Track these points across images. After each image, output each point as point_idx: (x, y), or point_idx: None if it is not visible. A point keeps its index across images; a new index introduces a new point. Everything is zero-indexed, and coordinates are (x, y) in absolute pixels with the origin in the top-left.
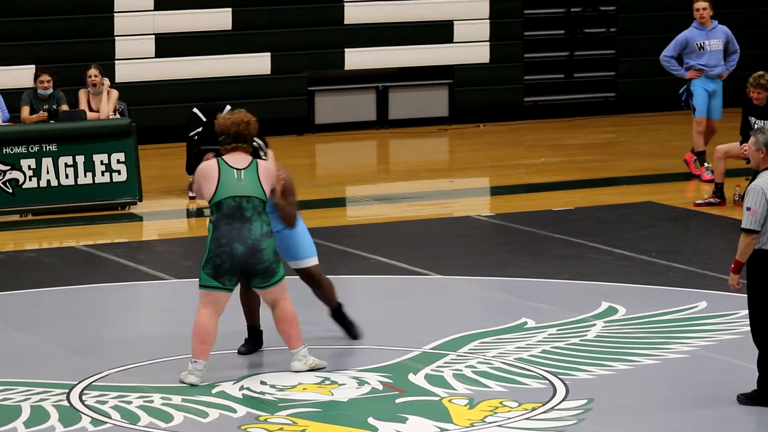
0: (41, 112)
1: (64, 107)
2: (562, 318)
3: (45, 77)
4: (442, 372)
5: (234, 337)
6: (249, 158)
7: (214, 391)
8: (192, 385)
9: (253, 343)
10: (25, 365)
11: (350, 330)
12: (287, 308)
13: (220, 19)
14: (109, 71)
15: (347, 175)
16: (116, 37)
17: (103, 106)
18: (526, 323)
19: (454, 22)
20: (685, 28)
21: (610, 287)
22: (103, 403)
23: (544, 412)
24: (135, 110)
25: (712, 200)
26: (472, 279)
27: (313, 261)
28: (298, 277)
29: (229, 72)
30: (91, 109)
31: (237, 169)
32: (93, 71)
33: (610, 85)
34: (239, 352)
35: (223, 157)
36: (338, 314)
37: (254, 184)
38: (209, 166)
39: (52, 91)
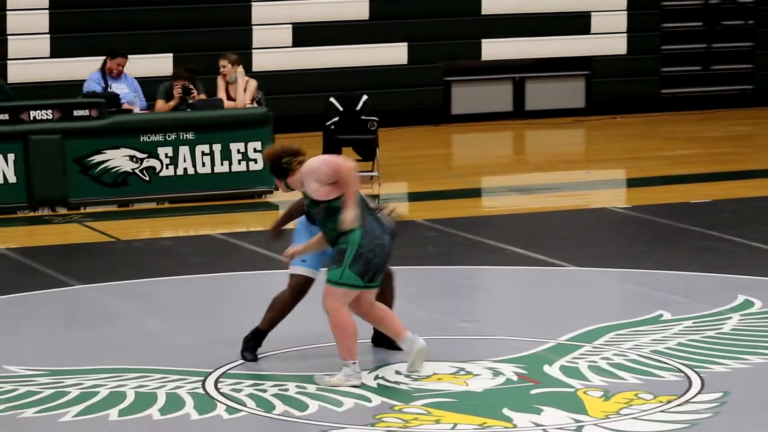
0: (175, 89)
1: (202, 96)
2: (698, 311)
3: (179, 83)
4: (578, 364)
5: (366, 325)
6: None
7: None
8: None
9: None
10: (161, 353)
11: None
12: (381, 305)
13: (357, 8)
14: (246, 60)
15: (483, 166)
16: (254, 26)
17: (239, 95)
18: (661, 315)
19: (592, 13)
20: None
21: (746, 280)
22: (238, 391)
23: (679, 405)
24: (272, 99)
25: None
26: (607, 271)
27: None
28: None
29: (365, 62)
30: (228, 98)
31: None
32: (222, 62)
33: (748, 78)
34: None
35: None
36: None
37: None
38: (348, 163)
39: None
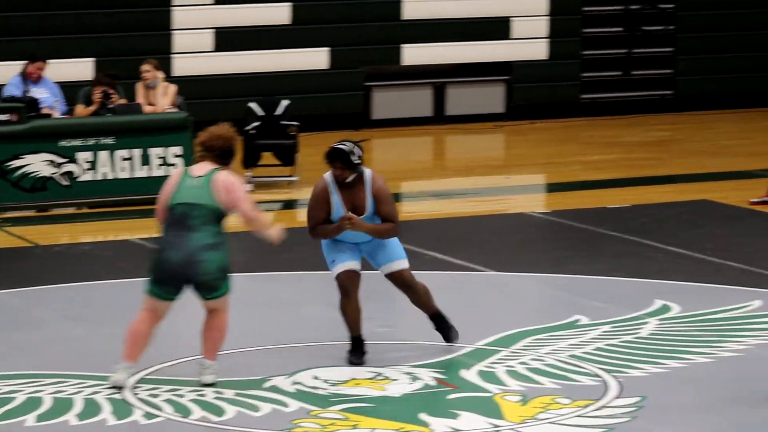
0: (94, 98)
1: (122, 101)
2: (616, 315)
3: (99, 88)
4: (495, 368)
5: (283, 331)
6: (210, 167)
7: (266, 385)
8: (117, 386)
9: (361, 353)
10: (79, 358)
11: (447, 335)
12: (224, 318)
13: (279, 13)
14: (166, 65)
15: (403, 171)
16: (174, 31)
17: (159, 100)
18: (579, 320)
19: (512, 19)
20: (743, 26)
21: (664, 285)
22: (156, 396)
23: (596, 410)
24: (192, 104)
25: (767, 198)
26: (526, 275)
27: (406, 263)
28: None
29: (286, 66)
30: (149, 103)
31: (194, 177)
32: (145, 66)
33: (668, 83)
34: (352, 363)
35: (191, 165)
36: (438, 319)
37: (206, 192)
38: (175, 172)
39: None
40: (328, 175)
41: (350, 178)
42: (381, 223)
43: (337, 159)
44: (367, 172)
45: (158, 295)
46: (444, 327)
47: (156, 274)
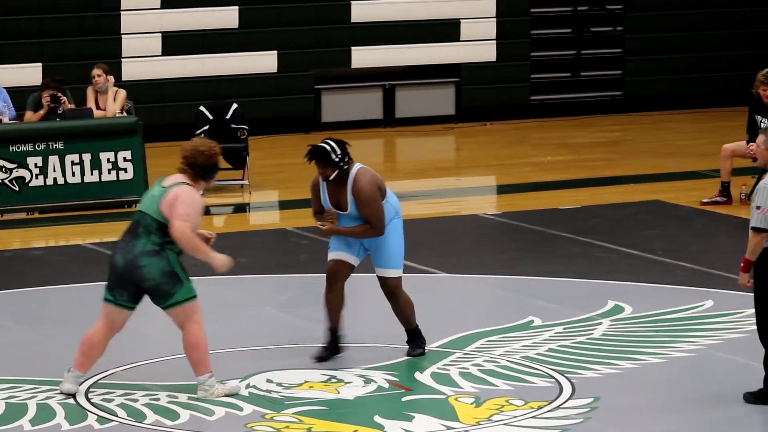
0: (44, 98)
1: (71, 105)
2: (569, 316)
3: (48, 93)
4: (449, 370)
5: (235, 334)
6: (179, 180)
7: None
8: (67, 393)
9: (332, 348)
10: (32, 363)
11: (412, 351)
12: (193, 332)
13: (227, 17)
14: (115, 69)
15: None
16: (123, 35)
17: (109, 104)
18: (532, 321)
19: (461, 21)
20: (692, 27)
21: (616, 286)
22: (109, 401)
23: (550, 411)
24: (142, 108)
25: (718, 199)
26: (478, 277)
27: (394, 273)
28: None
29: (236, 70)
30: (98, 107)
31: (161, 186)
32: (96, 71)
33: (617, 84)
34: (318, 359)
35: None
36: (412, 334)
37: (156, 203)
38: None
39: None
40: None
41: (332, 176)
42: (357, 225)
43: (316, 157)
44: (354, 170)
45: (112, 302)
46: (414, 344)
47: (107, 277)
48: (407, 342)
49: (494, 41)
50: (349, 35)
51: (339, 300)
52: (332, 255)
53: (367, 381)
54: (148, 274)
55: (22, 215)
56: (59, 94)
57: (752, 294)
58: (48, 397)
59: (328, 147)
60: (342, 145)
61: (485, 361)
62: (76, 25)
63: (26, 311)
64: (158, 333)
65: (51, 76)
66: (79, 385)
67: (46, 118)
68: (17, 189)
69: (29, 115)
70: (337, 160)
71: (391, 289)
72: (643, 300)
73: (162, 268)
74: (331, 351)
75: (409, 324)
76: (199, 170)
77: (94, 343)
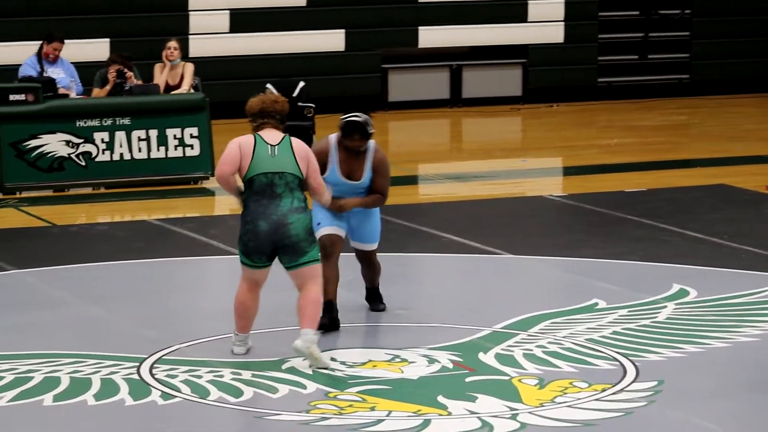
0: (110, 74)
1: (138, 81)
2: (634, 299)
3: (114, 68)
4: (513, 351)
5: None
6: (281, 134)
7: (284, 366)
8: (239, 354)
9: (329, 318)
10: (96, 338)
11: (377, 306)
12: (315, 291)
13: None
14: (183, 46)
15: (420, 153)
16: (191, 12)
17: (185, 82)
18: (597, 304)
19: (529, 2)
20: (760, 10)
21: (681, 269)
22: (173, 377)
23: (613, 393)
24: (208, 85)
25: None
26: (543, 259)
27: (375, 246)
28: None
29: (302, 48)
30: (167, 82)
31: (271, 144)
32: (173, 44)
33: (685, 67)
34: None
35: (259, 133)
36: (373, 293)
37: (289, 160)
38: (246, 140)
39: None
40: (333, 138)
41: (363, 148)
42: (369, 196)
43: (357, 131)
44: (371, 143)
45: (250, 265)
46: (376, 301)
47: (246, 245)
48: (368, 299)
49: (562, 22)
50: (416, 15)
51: (334, 273)
52: (326, 229)
53: (431, 361)
54: (294, 230)
55: (88, 190)
56: (125, 70)
57: None
58: (112, 372)
59: (362, 120)
60: (369, 116)
61: (549, 342)
62: (144, 1)
63: (90, 286)
64: (223, 311)
65: (118, 51)
66: (248, 346)
67: (113, 94)
68: (84, 164)
69: (96, 91)
70: (371, 132)
71: (370, 257)
72: (708, 284)
73: (306, 225)
74: (330, 325)
75: (373, 283)
76: (280, 119)
77: (247, 305)
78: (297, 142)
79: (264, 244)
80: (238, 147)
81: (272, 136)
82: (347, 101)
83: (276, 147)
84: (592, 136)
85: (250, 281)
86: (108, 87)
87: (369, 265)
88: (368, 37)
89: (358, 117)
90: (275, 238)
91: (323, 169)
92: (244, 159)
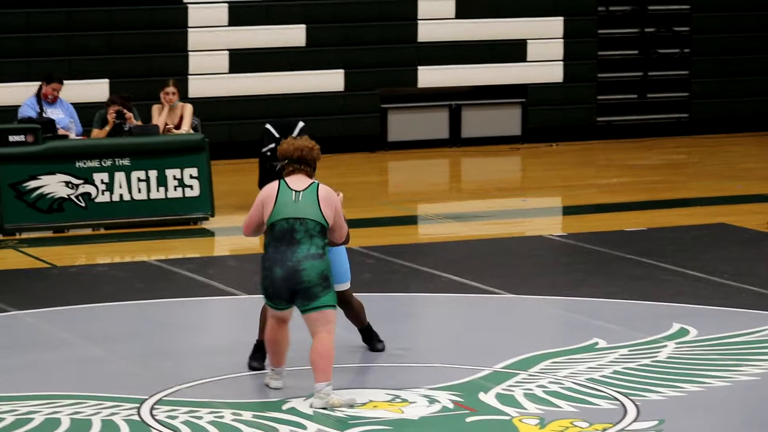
0: (109, 113)
1: (137, 122)
2: (634, 339)
3: (113, 108)
4: (513, 391)
5: (299, 352)
6: (309, 181)
7: (284, 407)
8: (276, 388)
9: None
10: (96, 379)
11: (375, 345)
12: (325, 340)
13: (294, 35)
14: (182, 86)
15: (419, 193)
16: (190, 53)
17: (185, 122)
18: (597, 343)
19: (528, 41)
20: (760, 49)
21: (681, 308)
22: (174, 418)
23: None
24: (208, 125)
25: None
26: (543, 298)
27: (347, 286)
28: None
29: (302, 88)
30: (166, 124)
31: (295, 191)
32: (171, 88)
33: (684, 106)
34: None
35: (285, 178)
36: (367, 332)
37: (312, 206)
38: (270, 187)
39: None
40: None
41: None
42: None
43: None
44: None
45: (273, 306)
46: (373, 340)
47: (265, 288)
48: (364, 341)
49: (561, 62)
50: (415, 55)
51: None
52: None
53: (432, 401)
54: (305, 276)
55: (88, 231)
56: (124, 111)
57: None
58: (112, 413)
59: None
60: None
61: (550, 382)
62: (143, 42)
63: (90, 327)
64: (223, 351)
65: (117, 92)
66: (281, 378)
67: (112, 134)
68: (83, 205)
69: (95, 132)
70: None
71: (347, 299)
72: (708, 323)
73: (320, 271)
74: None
75: (363, 323)
76: (313, 167)
77: (278, 340)
78: (324, 189)
79: (281, 289)
80: (261, 203)
81: (300, 182)
82: (347, 141)
83: (301, 193)
84: (591, 175)
85: (277, 318)
86: (107, 128)
87: (348, 305)
88: (368, 77)
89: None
90: (290, 284)
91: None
92: (267, 206)
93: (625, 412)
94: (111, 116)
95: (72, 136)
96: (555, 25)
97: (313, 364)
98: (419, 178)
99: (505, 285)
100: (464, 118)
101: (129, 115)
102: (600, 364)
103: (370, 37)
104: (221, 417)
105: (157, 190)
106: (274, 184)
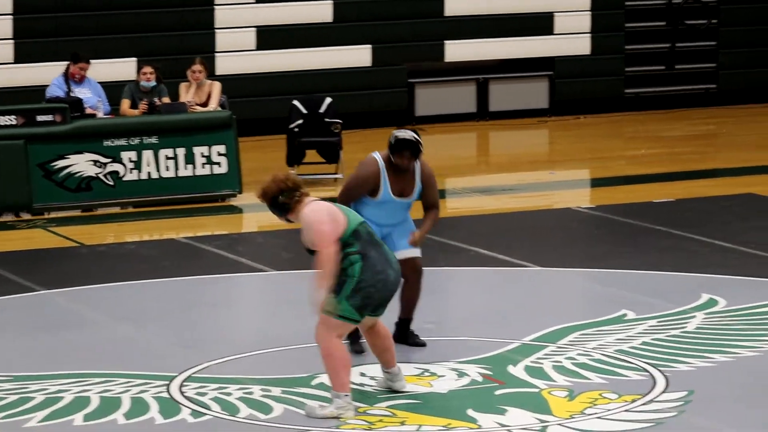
0: (141, 104)
1: (166, 100)
2: (663, 310)
3: (147, 69)
4: (542, 364)
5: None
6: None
7: (313, 382)
8: (400, 390)
9: (402, 336)
10: (125, 357)
11: (414, 340)
12: (383, 326)
13: (321, 11)
14: (209, 64)
15: (447, 167)
16: (217, 30)
17: (213, 100)
18: (626, 315)
19: (555, 14)
20: None
21: (710, 279)
22: (203, 394)
23: (643, 404)
24: (235, 102)
25: None
26: (572, 270)
27: (419, 252)
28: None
29: (329, 64)
30: (194, 102)
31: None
32: (198, 66)
33: (711, 77)
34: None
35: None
36: (406, 326)
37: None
38: (325, 205)
39: (154, 84)
40: (378, 157)
41: (412, 167)
42: (429, 218)
43: (408, 149)
44: None
45: (356, 321)
46: (413, 335)
47: (371, 297)
48: (402, 332)
49: (588, 34)
50: (442, 29)
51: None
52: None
53: (461, 374)
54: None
55: (116, 209)
56: (156, 102)
57: None
58: (142, 391)
59: (415, 138)
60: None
61: (579, 354)
62: (170, 20)
63: (119, 305)
64: (252, 327)
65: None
66: (401, 378)
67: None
68: (111, 183)
69: (125, 105)
70: (422, 151)
71: (420, 268)
72: (737, 293)
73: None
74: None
75: (411, 313)
76: (284, 202)
77: (375, 344)
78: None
79: (393, 292)
80: (328, 216)
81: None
82: (374, 116)
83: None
84: (619, 147)
85: (366, 327)
86: (137, 112)
87: (418, 275)
88: (394, 52)
89: (407, 133)
90: (396, 288)
91: (376, 190)
92: (339, 215)
93: (654, 383)
94: (143, 107)
95: (100, 115)
96: None
97: (388, 350)
98: (447, 152)
99: (534, 258)
100: (492, 92)
101: (159, 105)
102: (629, 336)
103: (396, 12)
104: (250, 393)
105: (185, 168)
106: (322, 202)
